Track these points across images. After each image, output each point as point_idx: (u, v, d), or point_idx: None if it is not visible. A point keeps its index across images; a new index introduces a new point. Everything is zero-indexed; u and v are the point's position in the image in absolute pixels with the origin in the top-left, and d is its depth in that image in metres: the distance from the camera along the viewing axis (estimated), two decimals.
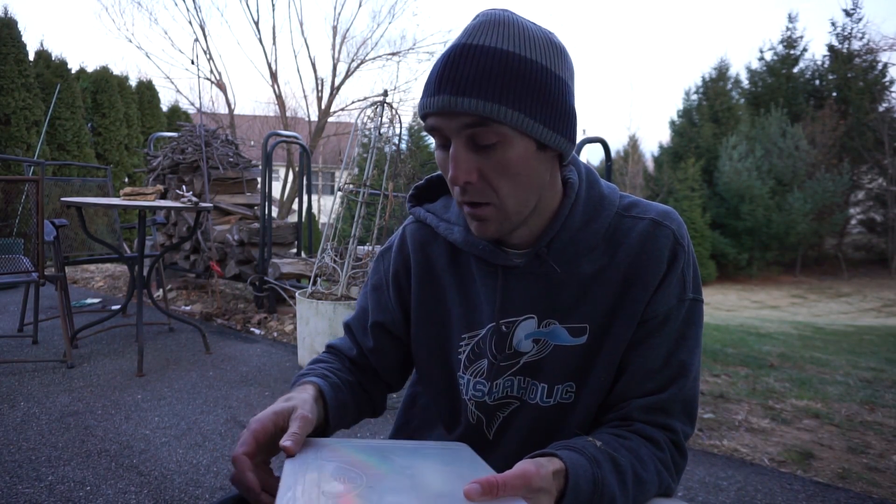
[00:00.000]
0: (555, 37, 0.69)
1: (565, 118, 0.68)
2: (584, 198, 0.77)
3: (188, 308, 4.39)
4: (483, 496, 0.53)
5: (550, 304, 0.78)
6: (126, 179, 8.85)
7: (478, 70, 0.63)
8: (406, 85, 14.79)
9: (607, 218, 0.77)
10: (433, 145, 0.73)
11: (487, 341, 0.81)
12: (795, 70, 22.39)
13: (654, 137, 45.60)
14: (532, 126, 0.65)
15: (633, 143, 23.25)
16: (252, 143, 16.81)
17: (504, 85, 0.63)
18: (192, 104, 13.27)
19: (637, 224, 0.76)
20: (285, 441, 0.62)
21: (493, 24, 0.65)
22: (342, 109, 14.66)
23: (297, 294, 3.12)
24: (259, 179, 4.84)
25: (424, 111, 0.67)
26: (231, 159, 4.84)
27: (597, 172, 0.82)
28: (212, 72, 13.16)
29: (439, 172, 0.88)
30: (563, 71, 0.67)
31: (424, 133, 15.50)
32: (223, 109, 13.98)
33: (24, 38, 7.38)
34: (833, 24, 21.60)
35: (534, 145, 0.67)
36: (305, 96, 20.08)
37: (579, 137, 3.82)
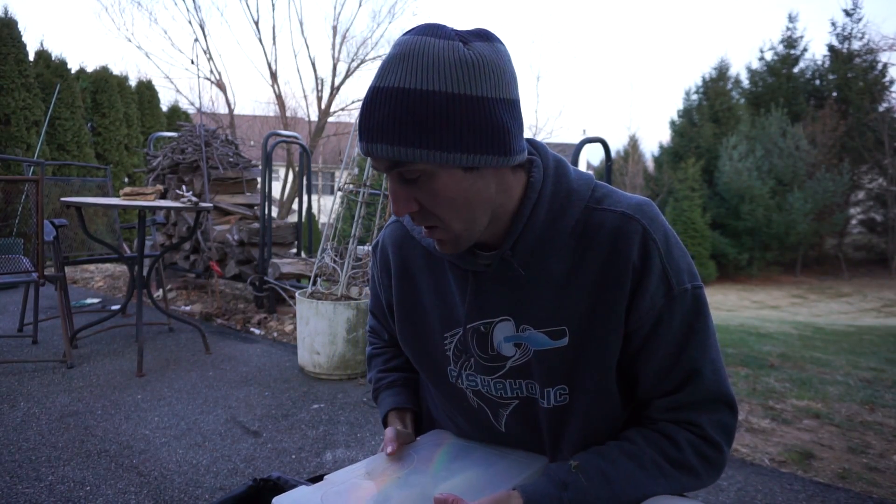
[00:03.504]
0: (473, 48, 0.66)
1: (487, 135, 0.66)
2: (550, 195, 0.75)
3: (188, 308, 4.39)
4: None
5: (523, 306, 0.78)
6: (126, 179, 8.84)
7: (385, 116, 0.65)
8: None
9: (574, 214, 0.75)
10: None
11: (469, 340, 0.82)
12: (795, 70, 22.36)
13: (654, 137, 45.58)
14: (447, 157, 0.65)
15: (633, 143, 23.23)
16: (252, 143, 16.80)
17: (410, 127, 0.64)
18: (192, 104, 13.28)
19: (607, 218, 0.74)
20: (387, 447, 0.82)
21: (401, 59, 0.65)
22: (342, 109, 14.67)
23: (297, 294, 3.12)
24: (259, 179, 4.84)
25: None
26: (231, 159, 4.84)
27: (568, 164, 0.79)
28: (212, 72, 13.17)
29: None
30: (479, 87, 0.65)
31: None
32: (223, 109, 13.99)
33: (24, 38, 7.36)
34: (833, 24, 21.57)
35: (459, 171, 0.68)
36: (305, 96, 20.12)
37: (579, 137, 3.81)
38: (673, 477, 0.73)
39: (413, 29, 0.68)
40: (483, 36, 0.68)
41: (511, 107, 0.68)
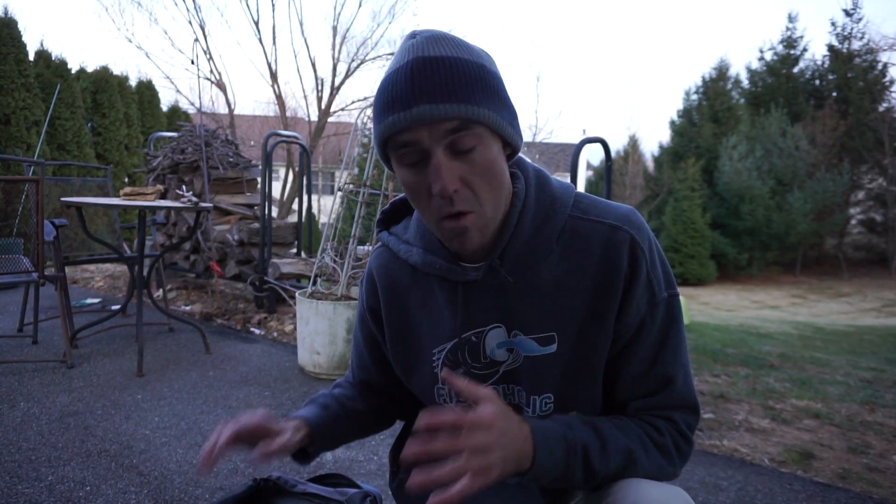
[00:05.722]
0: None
1: (515, 116, 0.73)
2: (534, 203, 0.76)
3: (188, 308, 4.39)
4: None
5: (513, 314, 0.78)
6: (126, 179, 8.84)
7: (449, 76, 0.64)
8: None
9: (560, 221, 0.76)
10: None
11: (458, 353, 0.82)
12: (795, 70, 22.34)
13: (654, 137, 45.50)
14: (502, 124, 0.68)
15: (633, 143, 23.22)
16: (252, 143, 16.81)
17: (475, 87, 0.65)
18: (192, 104, 13.28)
19: (595, 229, 0.76)
20: (254, 454, 0.75)
21: (435, 40, 0.67)
22: (342, 109, 14.66)
23: (297, 294, 3.12)
24: (259, 179, 4.84)
25: (396, 128, 0.66)
26: (231, 159, 4.84)
27: (548, 174, 0.81)
28: (212, 72, 13.18)
29: (404, 195, 0.87)
30: (500, 76, 0.72)
31: None
32: (223, 109, 13.99)
33: (24, 38, 7.36)
34: (833, 24, 21.55)
35: (500, 144, 0.70)
36: (305, 96, 20.07)
37: (579, 137, 3.83)
38: (654, 455, 0.74)
39: (422, 31, 0.71)
40: None
41: None
